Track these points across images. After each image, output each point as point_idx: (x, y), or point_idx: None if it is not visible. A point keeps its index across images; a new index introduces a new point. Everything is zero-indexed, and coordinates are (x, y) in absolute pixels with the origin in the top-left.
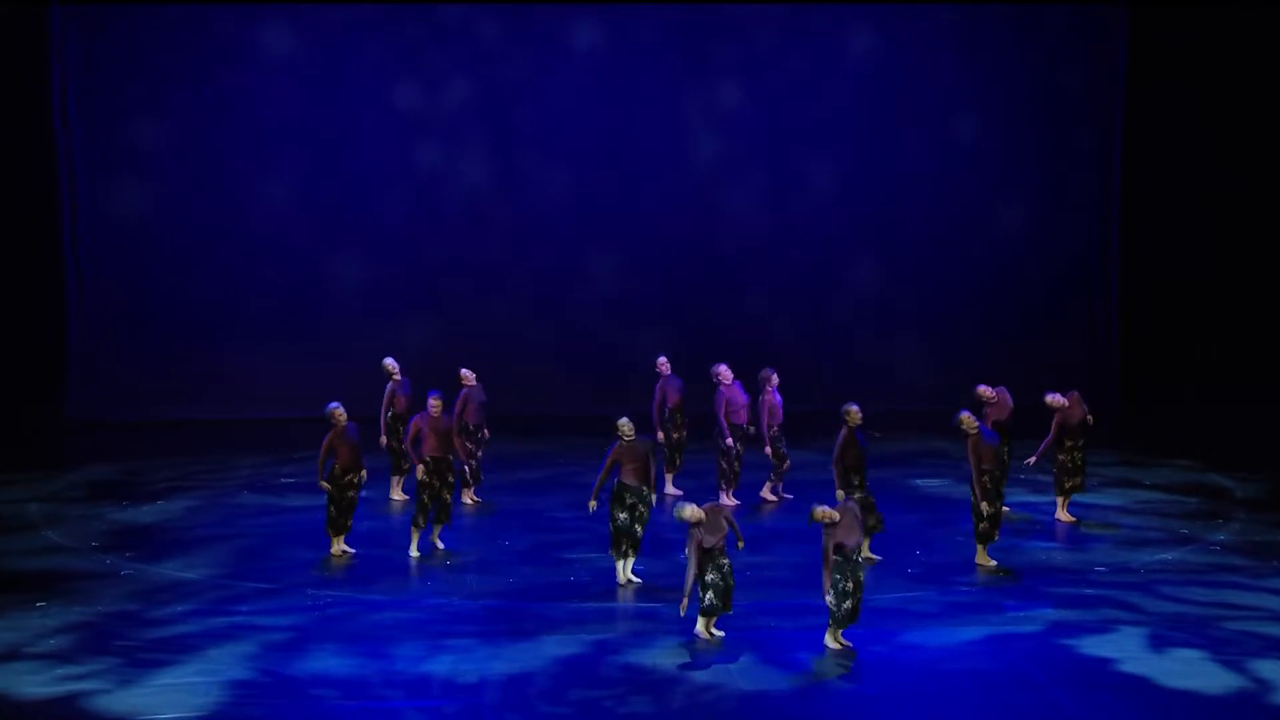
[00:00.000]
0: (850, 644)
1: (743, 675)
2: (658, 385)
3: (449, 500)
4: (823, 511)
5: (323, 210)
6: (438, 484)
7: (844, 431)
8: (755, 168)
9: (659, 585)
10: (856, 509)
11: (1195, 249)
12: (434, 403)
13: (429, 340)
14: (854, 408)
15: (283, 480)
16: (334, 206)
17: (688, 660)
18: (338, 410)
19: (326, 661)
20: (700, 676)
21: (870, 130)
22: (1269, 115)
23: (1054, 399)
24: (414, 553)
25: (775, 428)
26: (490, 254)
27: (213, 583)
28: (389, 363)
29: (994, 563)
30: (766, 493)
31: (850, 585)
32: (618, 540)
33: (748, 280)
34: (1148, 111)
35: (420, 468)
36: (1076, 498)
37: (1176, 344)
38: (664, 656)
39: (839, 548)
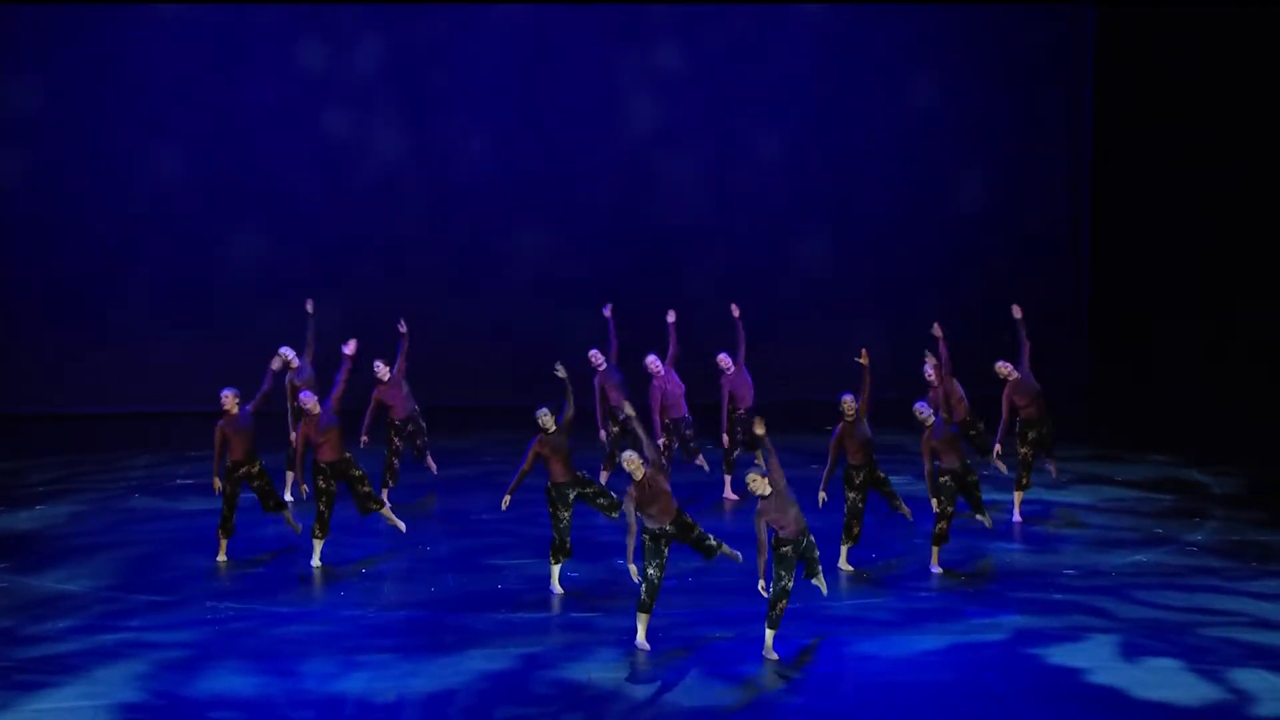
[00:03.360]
0: (778, 655)
1: (684, 690)
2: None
3: (368, 490)
4: (754, 478)
5: (217, 181)
6: (334, 488)
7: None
8: (696, 136)
9: (595, 593)
10: (787, 490)
11: (1173, 228)
12: (309, 404)
13: (337, 325)
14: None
15: (178, 482)
16: (229, 177)
17: (626, 675)
18: (228, 396)
19: (227, 680)
20: (639, 692)
21: (821, 96)
22: (1257, 100)
23: (1003, 367)
24: (316, 563)
25: (742, 410)
26: (404, 230)
27: (99, 595)
28: (285, 353)
29: (940, 569)
30: (728, 491)
31: (789, 584)
32: (561, 545)
33: (688, 258)
34: (1120, 79)
35: (319, 478)
36: (1029, 495)
37: (1151, 329)
38: (600, 671)
39: (774, 535)
